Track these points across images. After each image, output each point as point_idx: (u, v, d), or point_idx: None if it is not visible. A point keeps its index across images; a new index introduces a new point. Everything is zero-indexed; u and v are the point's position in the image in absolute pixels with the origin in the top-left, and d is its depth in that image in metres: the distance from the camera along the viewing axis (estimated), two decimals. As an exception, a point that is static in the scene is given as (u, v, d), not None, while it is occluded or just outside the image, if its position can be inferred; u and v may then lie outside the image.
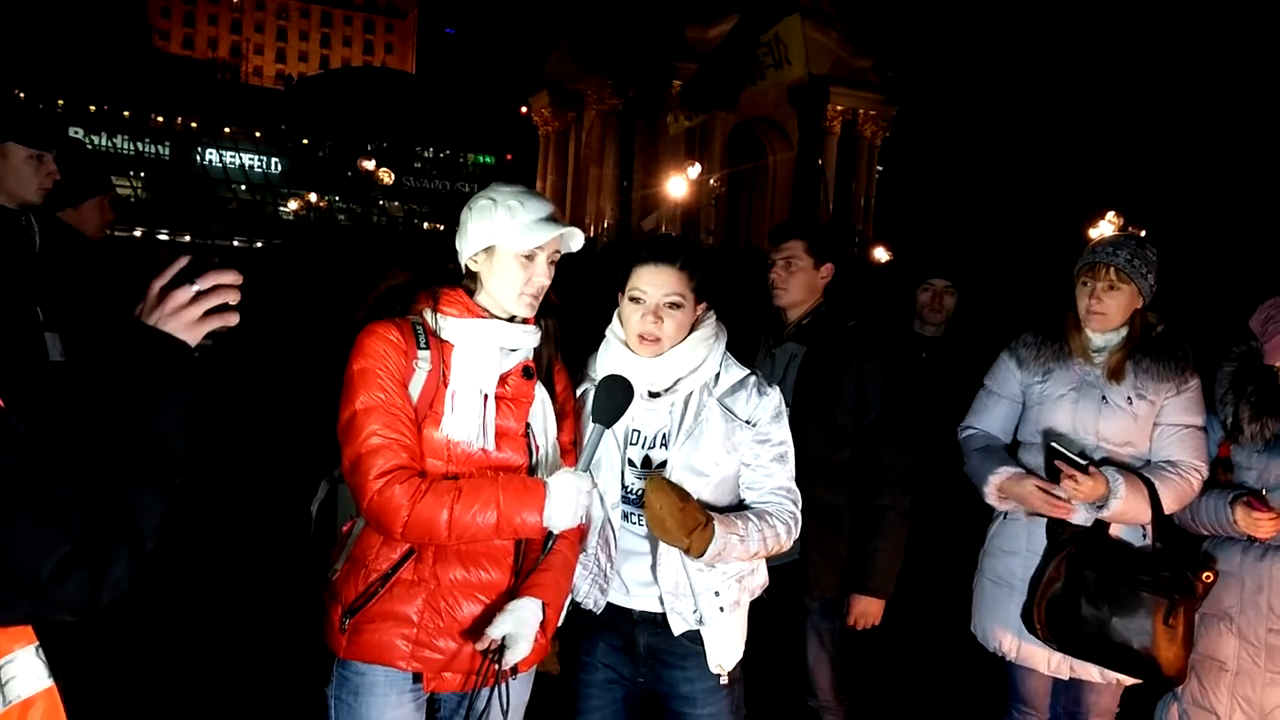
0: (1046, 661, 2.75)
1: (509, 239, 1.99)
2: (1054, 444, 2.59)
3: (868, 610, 2.96)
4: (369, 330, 1.98)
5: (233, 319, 1.39)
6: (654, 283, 2.17)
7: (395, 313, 2.03)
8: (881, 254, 23.93)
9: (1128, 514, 2.56)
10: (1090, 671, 2.70)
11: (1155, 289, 2.67)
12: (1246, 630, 2.57)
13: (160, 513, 1.20)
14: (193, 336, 1.35)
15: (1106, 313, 2.66)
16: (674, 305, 2.16)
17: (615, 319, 2.26)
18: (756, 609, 2.50)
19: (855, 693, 3.16)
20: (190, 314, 1.34)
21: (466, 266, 2.06)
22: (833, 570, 2.96)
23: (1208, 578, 2.51)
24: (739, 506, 2.23)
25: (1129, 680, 2.70)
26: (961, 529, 2.99)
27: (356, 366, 1.95)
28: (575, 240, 2.09)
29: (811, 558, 2.94)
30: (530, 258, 2.01)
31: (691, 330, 2.22)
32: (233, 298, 1.38)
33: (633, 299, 2.19)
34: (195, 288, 1.34)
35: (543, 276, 2.03)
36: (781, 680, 3.29)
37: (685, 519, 2.00)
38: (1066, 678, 2.76)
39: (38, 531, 1.07)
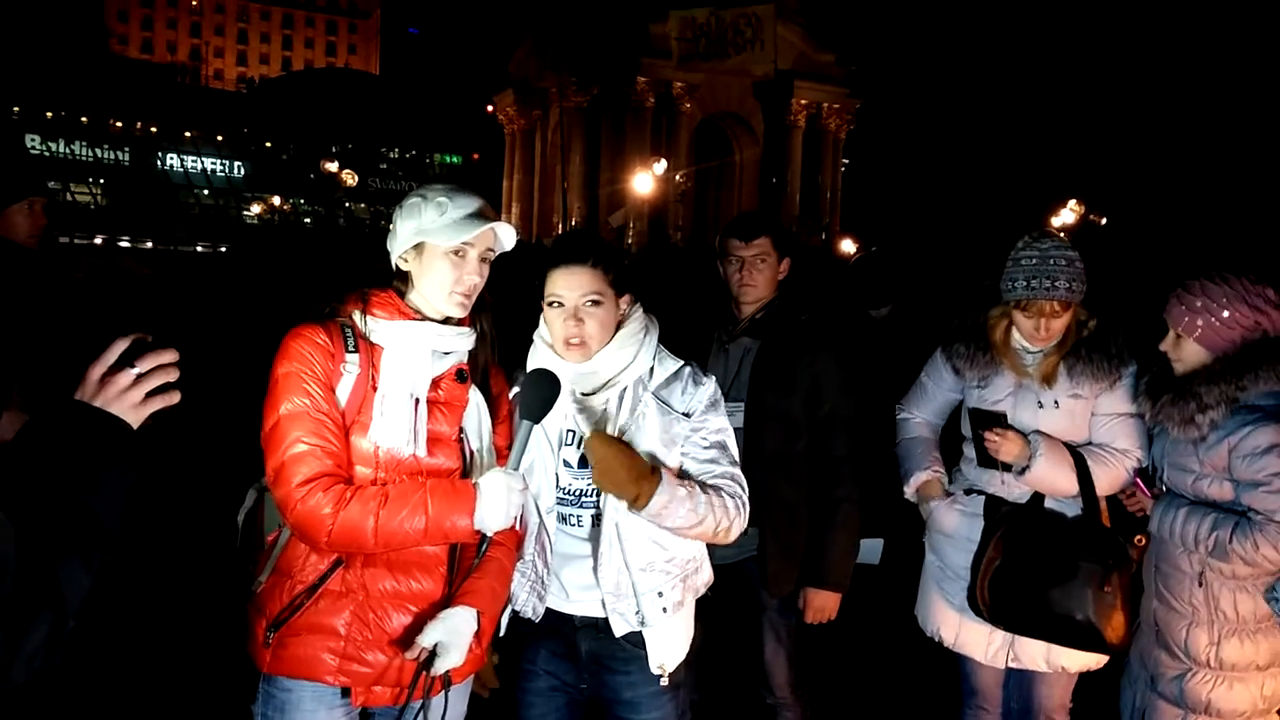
0: (985, 650, 2.77)
1: (438, 235, 1.93)
2: (975, 408, 2.68)
3: (825, 605, 2.95)
4: (294, 333, 1.93)
5: (174, 398, 1.40)
6: (569, 285, 2.11)
7: (323, 315, 1.97)
8: (849, 245, 24.07)
9: (1049, 477, 2.62)
10: (1035, 659, 2.72)
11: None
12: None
13: (85, 590, 1.17)
14: (135, 418, 1.35)
15: (1054, 337, 2.69)
16: (593, 303, 2.11)
17: (542, 322, 2.22)
18: (711, 606, 2.46)
19: (813, 688, 3.14)
20: (133, 396, 1.35)
21: (397, 266, 2.01)
22: (791, 565, 2.94)
23: (1140, 540, 2.57)
24: None
25: (1076, 667, 2.72)
26: (912, 516, 2.98)
27: (280, 370, 1.89)
28: (508, 237, 2.04)
29: (770, 553, 2.92)
30: (460, 255, 1.95)
31: (619, 327, 2.18)
32: (173, 376, 1.39)
33: (551, 304, 2.15)
34: (136, 370, 1.35)
35: (474, 275, 1.98)
36: (738, 677, 3.26)
37: (634, 466, 1.97)
38: (1003, 666, 2.78)
39: None
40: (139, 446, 1.34)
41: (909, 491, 2.95)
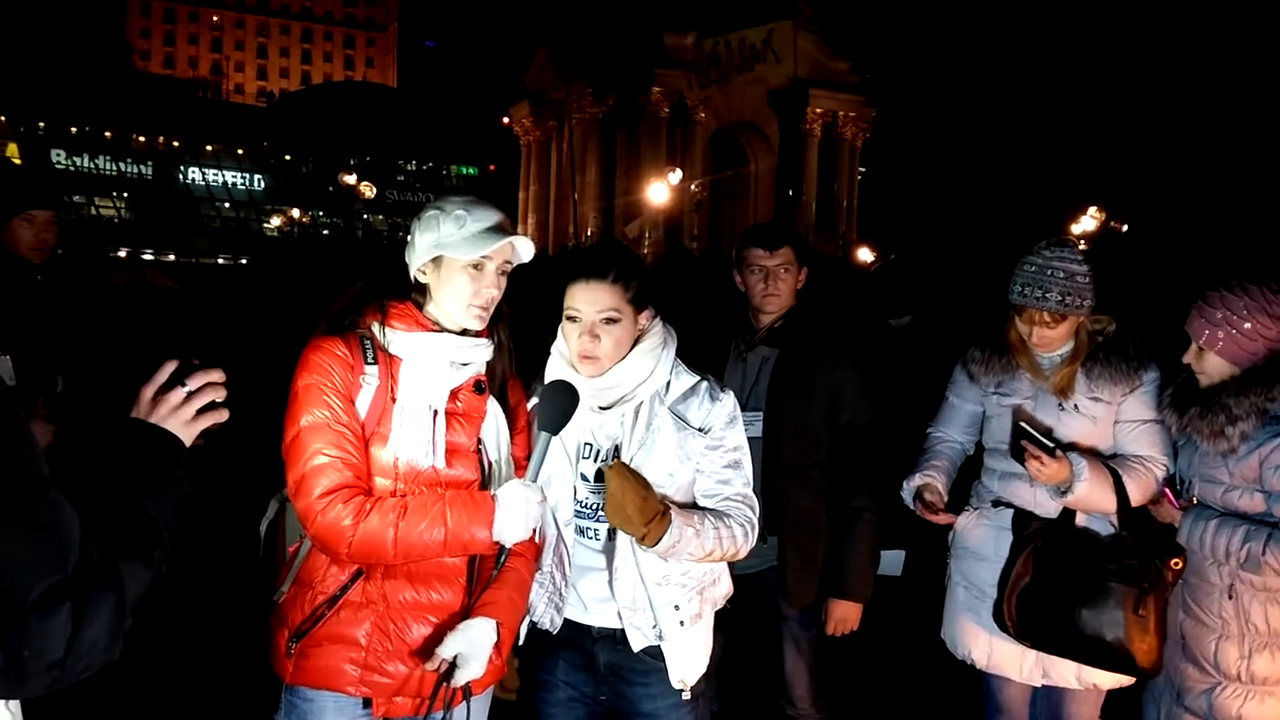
0: (1018, 668, 2.72)
1: (456, 249, 1.94)
2: (1021, 423, 2.58)
3: (847, 615, 2.93)
4: (314, 345, 1.94)
5: (223, 415, 1.47)
6: (587, 300, 2.10)
7: (343, 327, 1.98)
8: (866, 254, 23.99)
9: (1091, 499, 2.55)
10: (1066, 677, 2.68)
11: (1094, 300, 2.62)
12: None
13: (145, 586, 1.21)
14: (187, 435, 1.42)
15: (1049, 345, 2.66)
16: (609, 321, 2.10)
17: (560, 334, 2.21)
18: (731, 617, 2.45)
19: (834, 700, 3.12)
20: (185, 413, 1.42)
21: (416, 279, 2.01)
22: (811, 575, 2.92)
23: (1176, 564, 2.49)
24: None
25: (1108, 684, 2.68)
26: (933, 528, 2.95)
27: (301, 383, 1.90)
28: (525, 250, 2.04)
29: (790, 563, 2.91)
30: (479, 268, 1.96)
31: (637, 342, 2.17)
32: (220, 395, 1.46)
33: (569, 318, 2.14)
34: (186, 389, 1.42)
35: (492, 287, 1.98)
36: (758, 688, 3.25)
37: (646, 507, 1.96)
38: (1039, 684, 2.73)
39: (39, 549, 1.07)
40: (191, 461, 1.41)
41: (906, 492, 2.88)
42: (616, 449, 2.16)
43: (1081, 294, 2.57)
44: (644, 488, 1.98)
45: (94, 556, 1.13)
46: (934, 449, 2.96)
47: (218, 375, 1.46)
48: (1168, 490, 2.57)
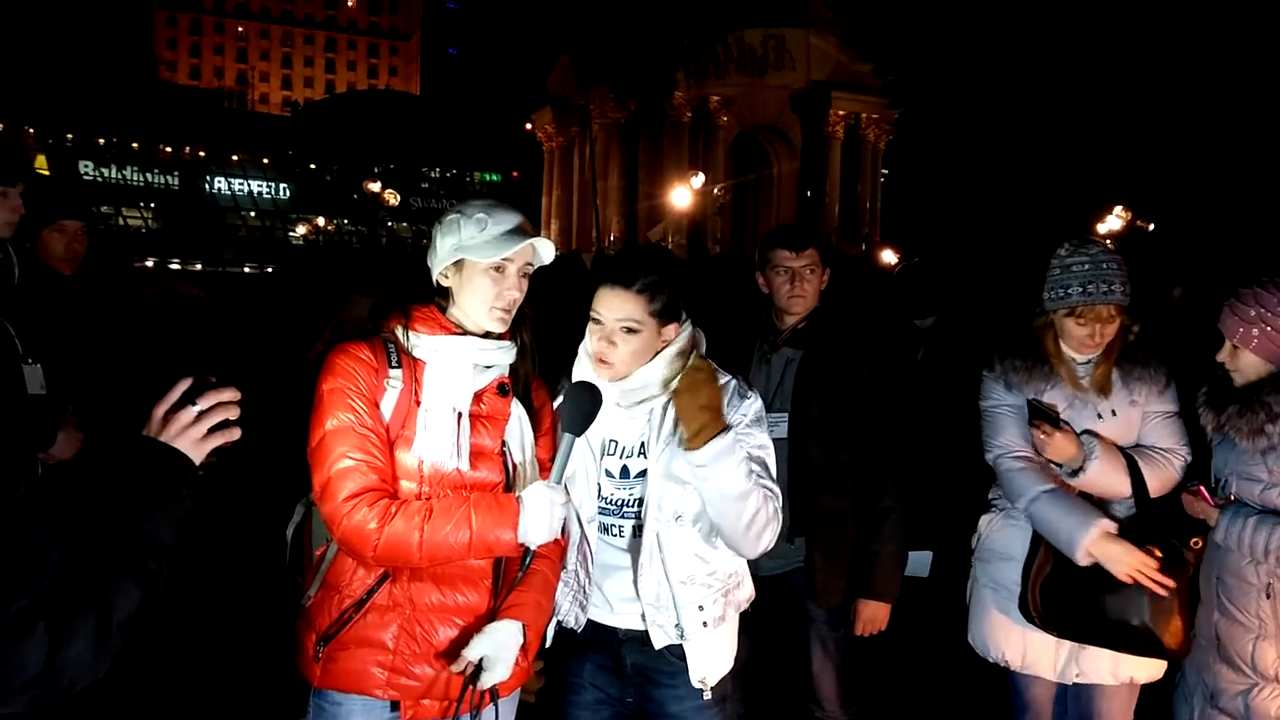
0: (1052, 667, 2.71)
1: (477, 252, 1.95)
2: (1033, 399, 2.59)
3: (875, 615, 2.92)
4: (340, 349, 1.96)
5: (234, 434, 1.46)
6: (609, 306, 2.12)
7: (367, 332, 2.00)
8: (889, 256, 23.87)
9: (1104, 481, 2.56)
10: (1100, 673, 2.66)
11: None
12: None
13: (135, 603, 1.20)
14: (198, 454, 1.42)
15: (1104, 343, 2.65)
16: (628, 330, 2.11)
17: (588, 335, 2.22)
18: (757, 618, 2.45)
19: (861, 701, 3.10)
20: (195, 432, 1.42)
21: (438, 282, 2.02)
22: (838, 576, 2.92)
23: (1196, 543, 2.49)
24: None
25: (1143, 678, 2.66)
26: (959, 528, 2.93)
27: (326, 386, 1.92)
28: (546, 252, 2.05)
29: (817, 564, 2.91)
30: (500, 270, 1.97)
31: (664, 348, 2.17)
32: (233, 414, 1.45)
33: (592, 319, 2.16)
34: (197, 408, 1.42)
35: (514, 290, 1.99)
36: (785, 690, 3.24)
37: (717, 401, 2.05)
38: (1071, 682, 2.71)
39: (11, 571, 1.06)
40: (199, 479, 1.41)
41: (1081, 554, 2.48)
42: (631, 465, 2.18)
43: (1130, 281, 2.60)
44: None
45: (74, 576, 1.12)
46: (1065, 493, 2.61)
47: (230, 394, 1.45)
48: (1202, 488, 2.54)
